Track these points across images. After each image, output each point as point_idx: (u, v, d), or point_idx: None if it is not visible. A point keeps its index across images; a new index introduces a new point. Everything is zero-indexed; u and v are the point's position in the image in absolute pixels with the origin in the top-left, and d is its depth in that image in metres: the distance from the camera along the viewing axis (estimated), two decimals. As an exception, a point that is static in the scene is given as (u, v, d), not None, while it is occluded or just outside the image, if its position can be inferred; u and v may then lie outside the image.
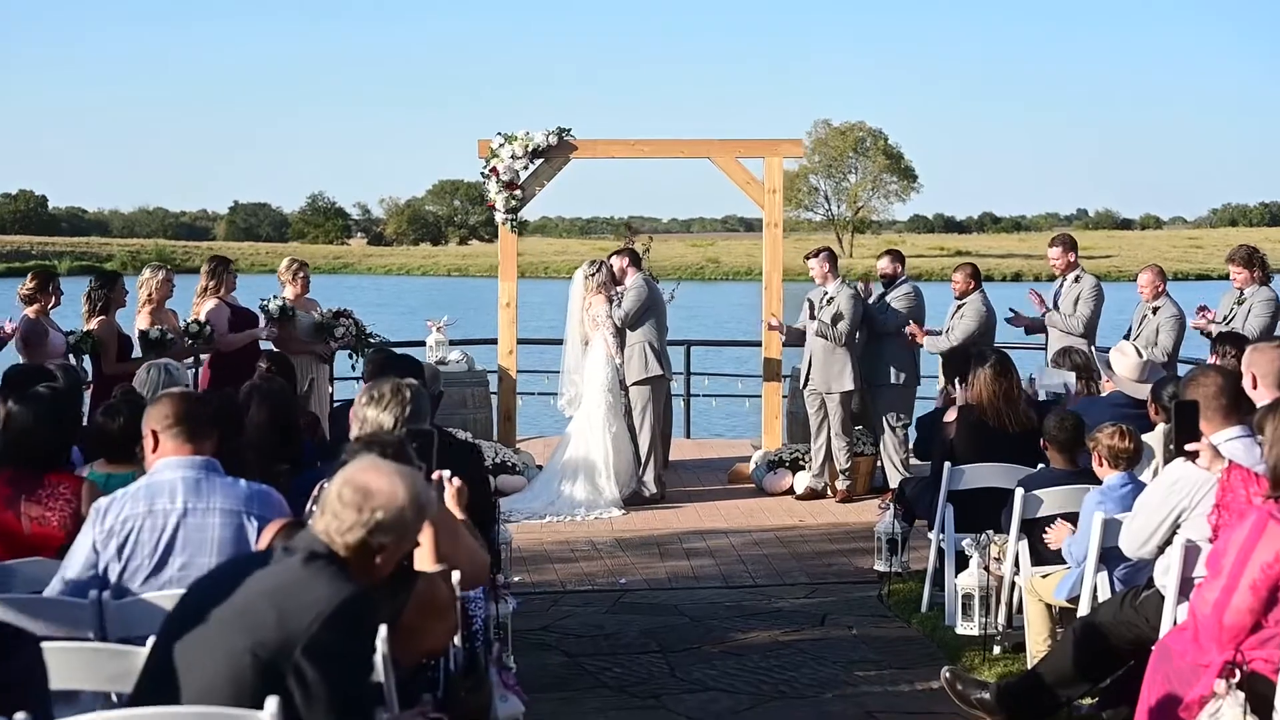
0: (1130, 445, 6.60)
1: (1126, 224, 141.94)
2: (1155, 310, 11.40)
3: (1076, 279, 11.83)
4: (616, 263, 12.47)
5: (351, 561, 3.53)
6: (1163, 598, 5.53)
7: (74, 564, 4.75)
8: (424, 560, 4.16)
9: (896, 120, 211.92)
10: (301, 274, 11.83)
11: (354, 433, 4.97)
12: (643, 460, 12.04)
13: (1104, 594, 6.35)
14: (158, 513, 4.76)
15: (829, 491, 12.14)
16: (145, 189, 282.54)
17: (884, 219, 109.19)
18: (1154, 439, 7.21)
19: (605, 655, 7.68)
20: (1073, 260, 11.92)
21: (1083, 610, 6.35)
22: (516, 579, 9.26)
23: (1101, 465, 6.67)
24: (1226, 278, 11.71)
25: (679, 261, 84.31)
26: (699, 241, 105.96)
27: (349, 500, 3.53)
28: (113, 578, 4.71)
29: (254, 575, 3.50)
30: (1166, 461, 6.17)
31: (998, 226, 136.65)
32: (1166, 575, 5.50)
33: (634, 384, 12.07)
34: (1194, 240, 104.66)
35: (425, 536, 4.11)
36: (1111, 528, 6.21)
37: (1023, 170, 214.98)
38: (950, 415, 8.42)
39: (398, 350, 9.00)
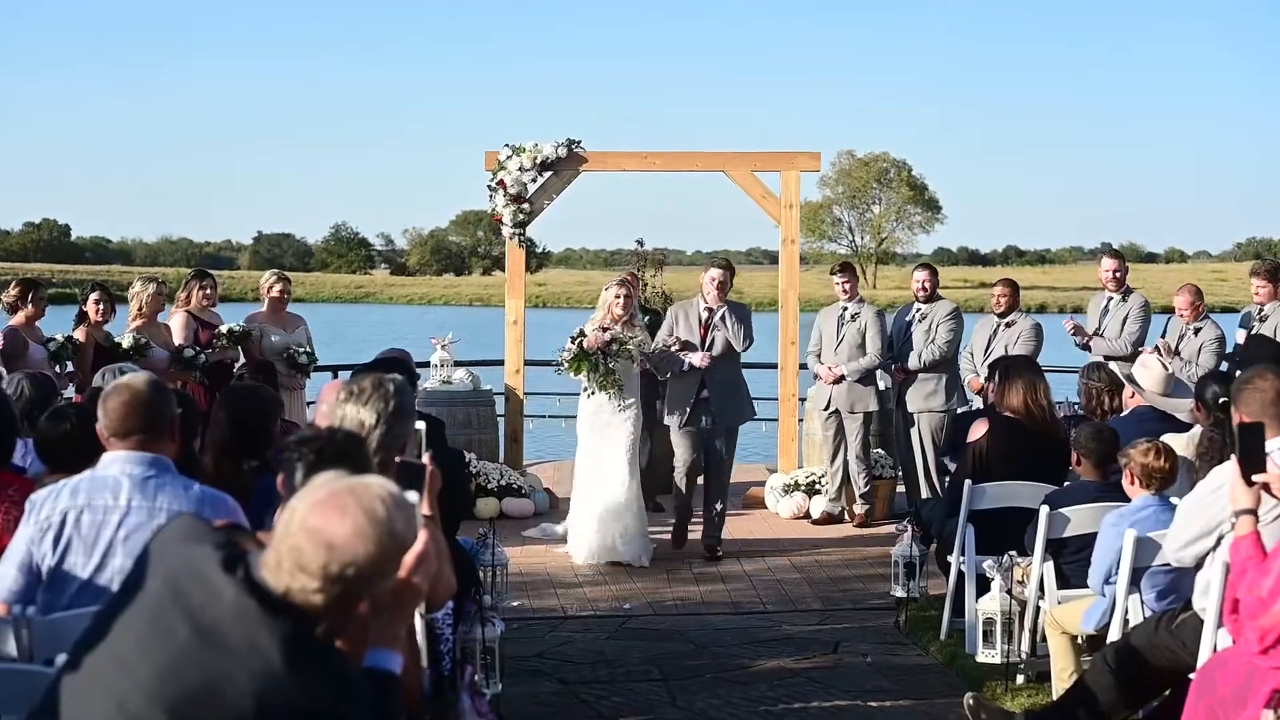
0: (1166, 465, 6.10)
1: (1151, 257, 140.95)
2: (1197, 331, 11.01)
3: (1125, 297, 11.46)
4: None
5: (323, 616, 2.88)
6: (1201, 621, 5.07)
7: (9, 567, 4.35)
8: None
9: (920, 152, 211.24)
10: (279, 287, 11.34)
11: None
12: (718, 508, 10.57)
13: (1135, 619, 5.88)
14: (97, 508, 4.35)
15: (846, 516, 11.69)
16: (170, 219, 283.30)
17: (908, 251, 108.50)
18: (1181, 442, 6.72)
19: (603, 683, 7.22)
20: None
21: (1113, 636, 5.88)
22: (515, 603, 8.87)
23: (1133, 484, 6.19)
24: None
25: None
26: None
27: (310, 558, 2.78)
28: (45, 576, 4.30)
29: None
30: (1201, 463, 5.74)
31: (1022, 260, 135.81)
32: (1206, 597, 5.03)
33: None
34: (1218, 274, 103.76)
35: None
36: (1145, 547, 5.74)
37: (1047, 204, 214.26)
38: (977, 431, 7.91)
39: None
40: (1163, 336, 11.19)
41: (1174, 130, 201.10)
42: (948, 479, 9.04)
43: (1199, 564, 5.19)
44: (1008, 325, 11.44)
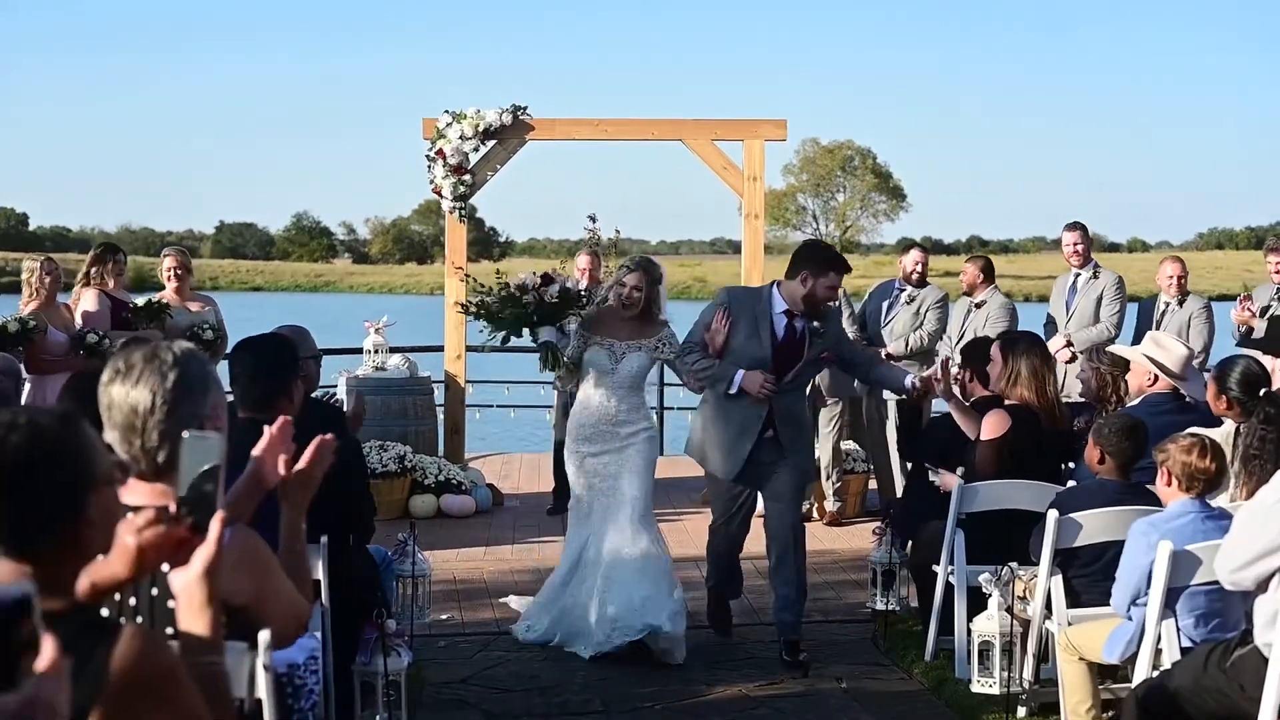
0: (1213, 466, 5.07)
1: (1114, 247, 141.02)
2: (1181, 303, 10.10)
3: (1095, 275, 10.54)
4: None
5: None
6: (1265, 659, 4.09)
7: None
8: (192, 617, 2.65)
9: (885, 140, 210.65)
10: (171, 262, 10.16)
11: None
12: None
13: (1170, 650, 4.90)
14: None
15: (815, 514, 10.71)
16: (131, 209, 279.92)
17: (872, 240, 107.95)
18: (1216, 438, 5.73)
19: (536, 716, 6.22)
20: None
21: (1141, 672, 4.90)
22: (445, 617, 7.86)
23: (1170, 485, 5.14)
24: (1217, 299, 10.70)
25: (666, 281, 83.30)
26: (686, 262, 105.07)
27: None
28: None
29: None
30: (1243, 465, 4.80)
31: (986, 249, 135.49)
32: (1272, 629, 4.05)
33: None
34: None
35: (196, 585, 2.61)
36: (1183, 563, 4.77)
37: (1011, 194, 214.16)
38: (998, 426, 6.79)
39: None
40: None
41: (1135, 122, 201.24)
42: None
43: (1261, 587, 4.20)
44: (978, 306, 10.56)
